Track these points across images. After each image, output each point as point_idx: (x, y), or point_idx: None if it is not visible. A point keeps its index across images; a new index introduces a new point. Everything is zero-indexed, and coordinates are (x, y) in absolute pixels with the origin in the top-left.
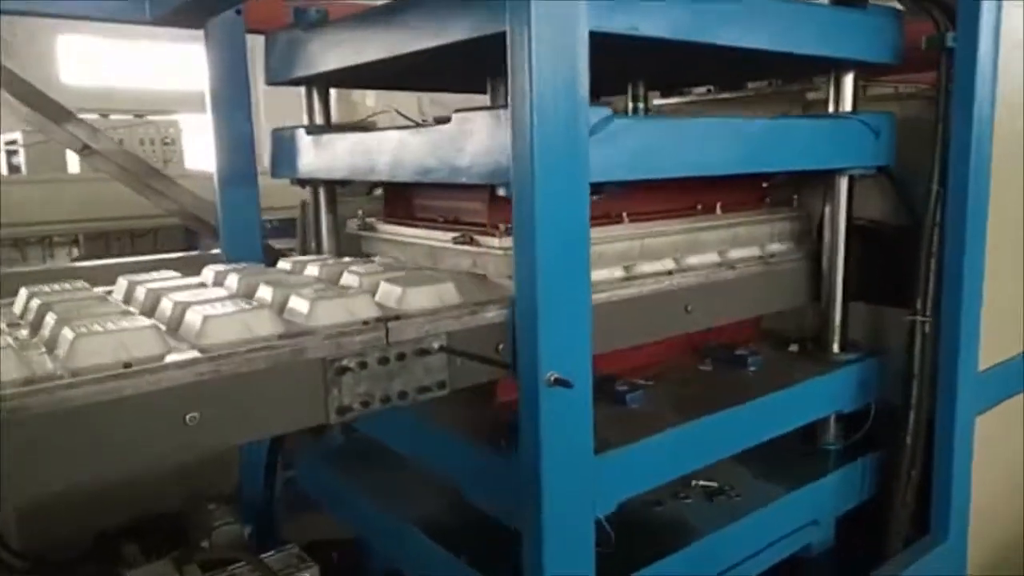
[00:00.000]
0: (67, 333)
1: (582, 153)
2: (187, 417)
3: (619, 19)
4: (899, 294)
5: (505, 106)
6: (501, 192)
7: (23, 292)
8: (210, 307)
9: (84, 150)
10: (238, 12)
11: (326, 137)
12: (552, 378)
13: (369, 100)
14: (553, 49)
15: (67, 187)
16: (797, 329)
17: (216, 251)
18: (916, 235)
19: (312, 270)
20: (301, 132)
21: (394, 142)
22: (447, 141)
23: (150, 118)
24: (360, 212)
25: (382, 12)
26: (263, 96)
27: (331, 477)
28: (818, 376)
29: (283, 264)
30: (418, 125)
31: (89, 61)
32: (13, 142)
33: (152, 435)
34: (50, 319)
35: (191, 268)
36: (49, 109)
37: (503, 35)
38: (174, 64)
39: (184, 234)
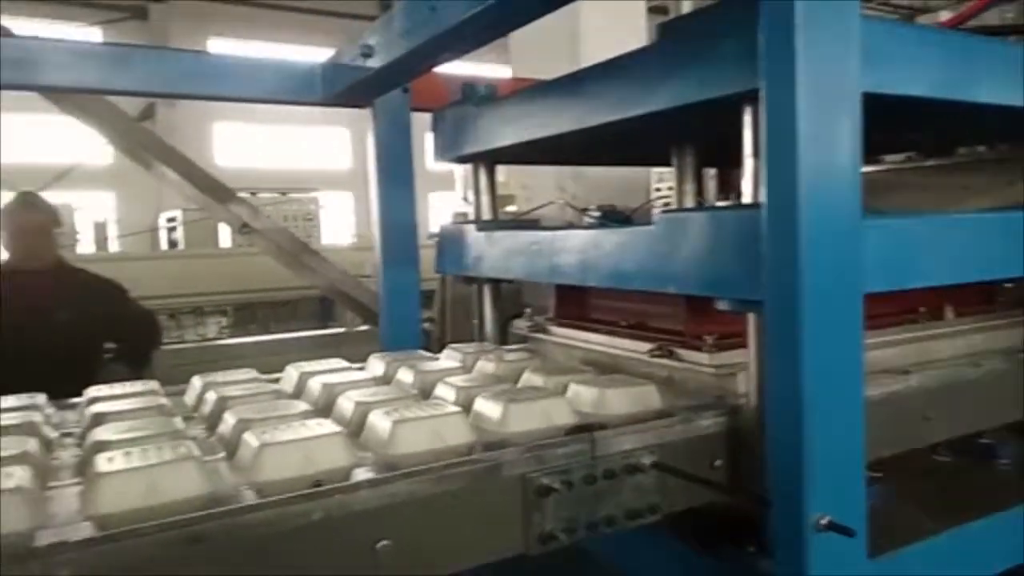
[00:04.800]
0: (251, 440)
1: (855, 252)
2: (378, 545)
3: (893, 76)
4: None
5: (719, 207)
6: (722, 306)
7: (196, 382)
8: (395, 411)
9: (244, 228)
10: (405, 90)
11: (499, 234)
12: (824, 522)
13: (499, 175)
14: (823, 115)
15: (219, 261)
16: None
17: (363, 328)
18: None
19: (486, 366)
20: (471, 228)
21: (582, 242)
22: (649, 245)
23: (293, 195)
24: (529, 311)
25: (568, 82)
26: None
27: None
28: None
29: (451, 355)
30: (607, 222)
31: (239, 144)
32: (173, 219)
33: (339, 566)
34: (229, 419)
35: (338, 346)
36: (214, 190)
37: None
38: (313, 145)
39: (320, 305)
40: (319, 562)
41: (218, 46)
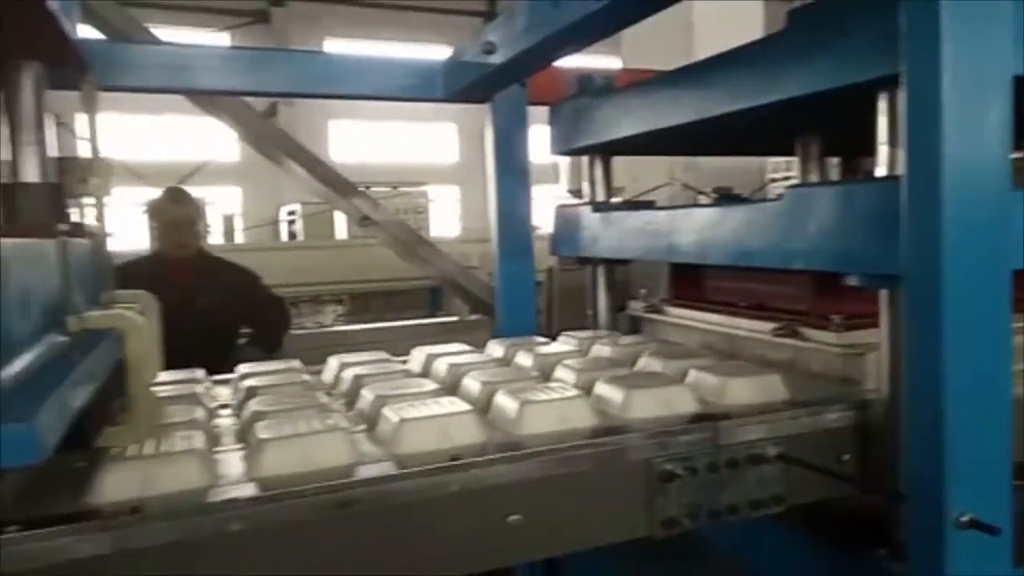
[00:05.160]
0: (390, 415)
1: (1003, 232)
2: (509, 519)
3: None
4: None
5: (851, 180)
6: (853, 282)
7: (333, 362)
8: (522, 392)
9: (364, 220)
10: (522, 85)
11: (616, 215)
12: (967, 519)
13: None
14: (970, 100)
15: (335, 252)
16: None
17: (474, 317)
18: None
19: (602, 350)
20: (587, 210)
21: (702, 221)
22: (776, 221)
23: (403, 189)
24: (644, 292)
25: (689, 73)
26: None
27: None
28: None
29: (566, 341)
30: (728, 201)
31: (352, 141)
32: (293, 212)
33: (473, 534)
34: (367, 395)
35: (449, 334)
36: (337, 184)
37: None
38: (422, 141)
39: (429, 295)
40: (455, 530)
41: (333, 46)
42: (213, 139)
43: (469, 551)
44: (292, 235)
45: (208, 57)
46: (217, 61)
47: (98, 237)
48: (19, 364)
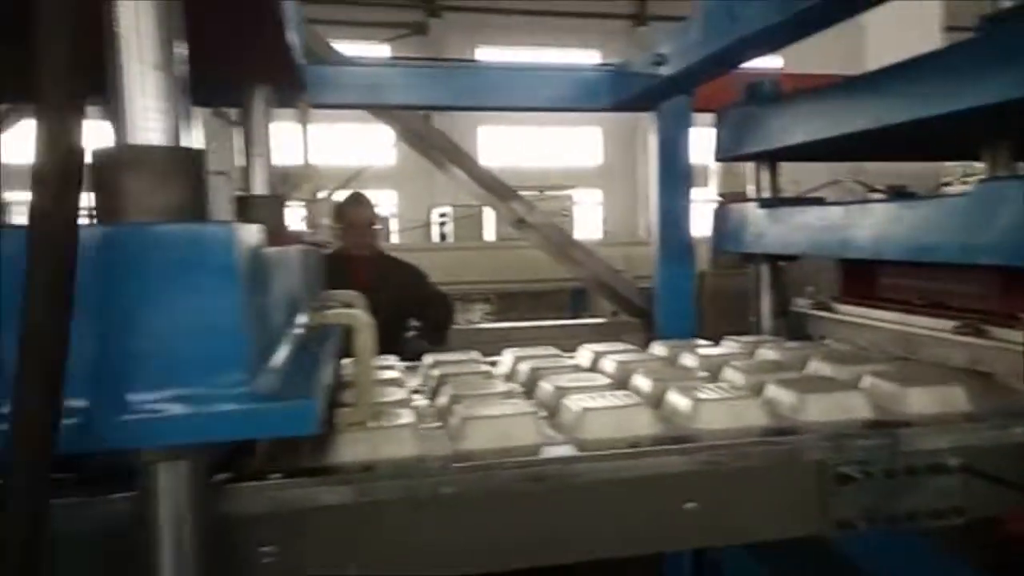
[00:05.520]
0: (572, 405)
1: None
2: (685, 506)
3: None
4: None
5: None
6: None
7: (508, 354)
8: (694, 390)
9: (519, 223)
10: (688, 93)
11: (784, 210)
12: None
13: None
14: None
15: (484, 253)
16: None
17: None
18: None
19: (768, 353)
20: (752, 206)
21: (879, 215)
22: (961, 215)
23: (549, 193)
24: (811, 289)
25: (867, 81)
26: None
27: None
28: None
29: (729, 344)
30: (902, 196)
31: (500, 146)
32: (444, 214)
33: (650, 517)
34: (546, 386)
35: (598, 335)
36: (496, 188)
37: None
38: (567, 145)
39: (573, 296)
40: (634, 511)
41: (485, 54)
42: (372, 145)
43: (646, 532)
44: (443, 236)
45: (399, 75)
46: (406, 79)
47: (310, 240)
48: (282, 354)
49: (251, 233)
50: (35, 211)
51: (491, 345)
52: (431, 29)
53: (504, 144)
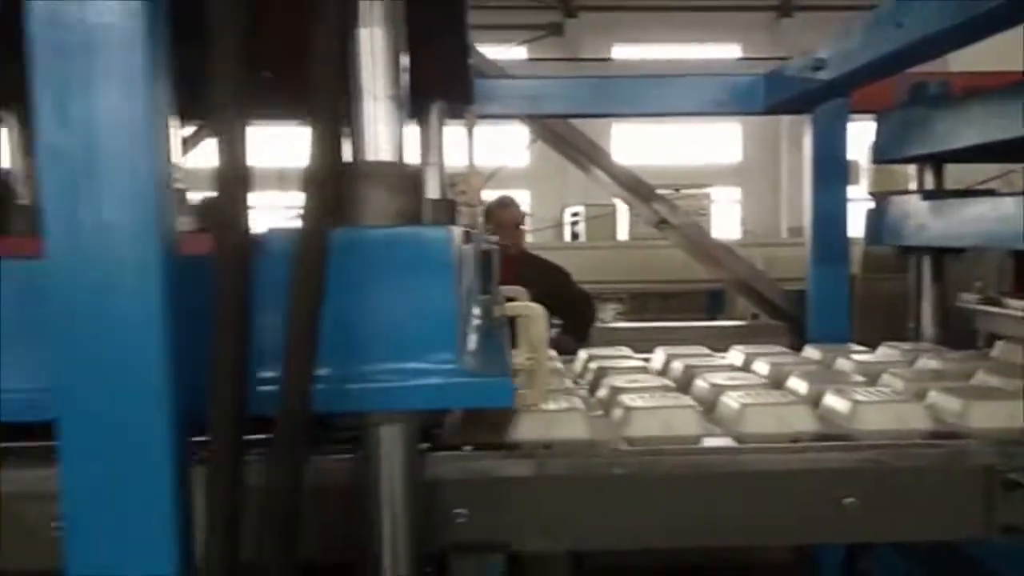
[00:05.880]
0: (731, 402)
1: None
2: (844, 501)
3: None
4: None
5: None
6: None
7: (660, 352)
8: (853, 392)
9: (660, 223)
10: (846, 95)
11: (950, 202)
12: None
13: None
14: None
15: (617, 252)
16: None
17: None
18: None
19: (929, 363)
20: (914, 198)
21: None
22: None
23: (685, 192)
24: (979, 284)
25: None
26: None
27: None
28: None
29: (888, 351)
30: None
31: (634, 143)
32: (576, 214)
33: (809, 509)
34: (701, 383)
35: (739, 337)
36: (637, 188)
37: None
38: (703, 141)
39: (709, 298)
40: (793, 503)
41: (622, 52)
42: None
43: (803, 523)
44: (575, 235)
45: (558, 86)
46: (565, 89)
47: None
48: (472, 339)
49: (458, 235)
50: (305, 217)
51: (633, 345)
52: (567, 29)
53: (638, 141)
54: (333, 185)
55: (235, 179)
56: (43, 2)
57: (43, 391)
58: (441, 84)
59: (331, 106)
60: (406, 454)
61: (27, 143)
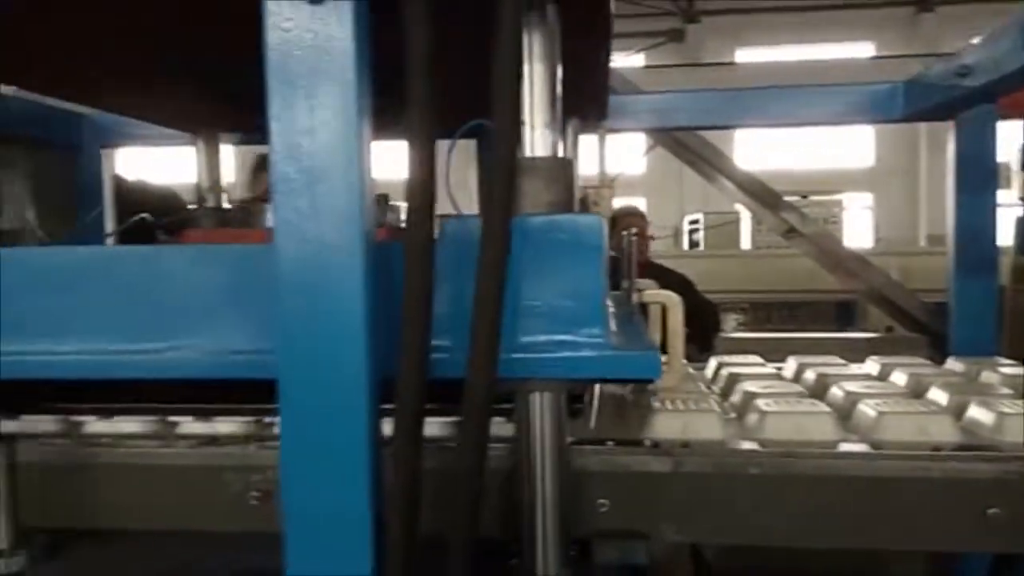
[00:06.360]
0: (868, 409)
1: None
2: (988, 511)
3: None
4: None
5: None
6: None
7: (791, 361)
8: (999, 405)
9: (789, 232)
10: (994, 102)
11: None
12: None
13: None
14: None
15: (738, 261)
16: None
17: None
18: None
19: None
20: None
21: None
22: None
23: (814, 198)
24: None
25: None
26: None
27: None
28: None
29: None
30: None
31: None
32: (695, 221)
33: (949, 519)
34: (837, 391)
35: (872, 350)
36: (764, 195)
37: None
38: (832, 145)
39: (838, 309)
40: (933, 511)
41: (745, 55)
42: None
43: (944, 532)
44: (693, 243)
45: (687, 100)
46: (695, 103)
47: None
48: (613, 321)
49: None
50: (487, 208)
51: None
52: (688, 34)
53: (763, 145)
54: (507, 184)
55: (423, 182)
56: (279, 33)
57: (262, 352)
58: (581, 104)
59: (424, 124)
60: (554, 418)
61: (211, 162)
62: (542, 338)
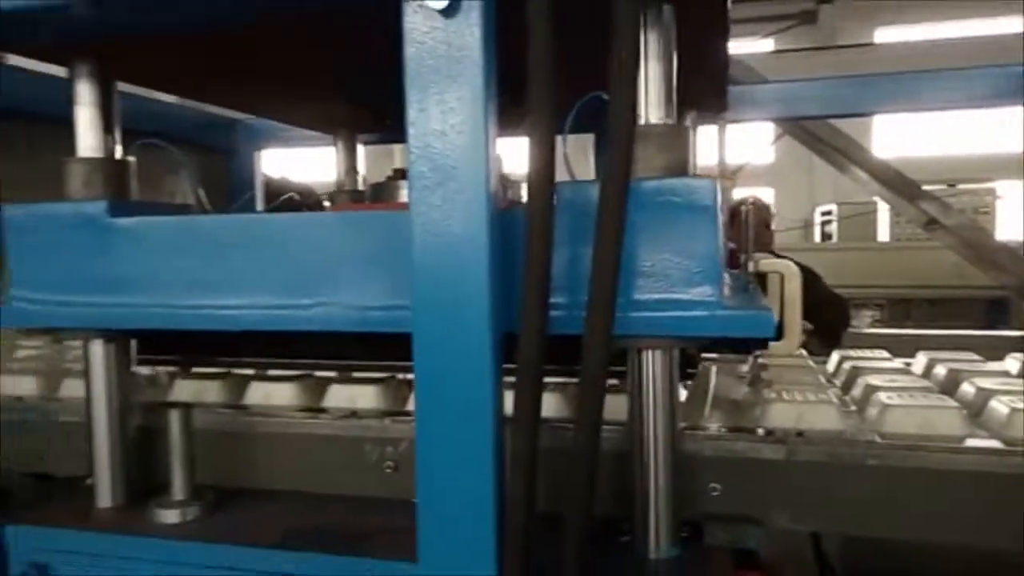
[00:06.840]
0: (999, 406)
1: None
2: None
3: None
4: None
5: None
6: None
7: (921, 356)
8: None
9: (930, 224)
10: None
11: None
12: None
13: None
14: None
15: (874, 255)
16: None
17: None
18: None
19: None
20: None
21: None
22: None
23: (963, 187)
24: None
25: None
26: None
27: None
28: None
29: None
30: None
31: (899, 134)
32: (828, 213)
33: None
34: (968, 388)
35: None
36: (901, 186)
37: None
38: (982, 128)
39: (988, 306)
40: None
41: (886, 35)
42: (750, 144)
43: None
44: (826, 236)
45: (814, 88)
46: (822, 90)
47: None
48: (725, 287)
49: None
50: (605, 172)
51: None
52: (821, 15)
53: (904, 130)
54: (624, 154)
55: (545, 164)
56: (415, 46)
57: (395, 308)
58: (699, 96)
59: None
60: (667, 378)
61: (349, 159)
62: (656, 297)
